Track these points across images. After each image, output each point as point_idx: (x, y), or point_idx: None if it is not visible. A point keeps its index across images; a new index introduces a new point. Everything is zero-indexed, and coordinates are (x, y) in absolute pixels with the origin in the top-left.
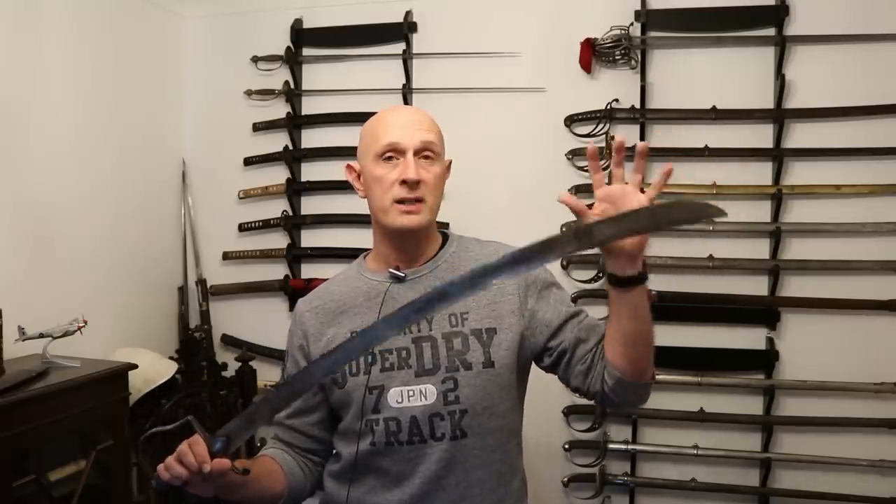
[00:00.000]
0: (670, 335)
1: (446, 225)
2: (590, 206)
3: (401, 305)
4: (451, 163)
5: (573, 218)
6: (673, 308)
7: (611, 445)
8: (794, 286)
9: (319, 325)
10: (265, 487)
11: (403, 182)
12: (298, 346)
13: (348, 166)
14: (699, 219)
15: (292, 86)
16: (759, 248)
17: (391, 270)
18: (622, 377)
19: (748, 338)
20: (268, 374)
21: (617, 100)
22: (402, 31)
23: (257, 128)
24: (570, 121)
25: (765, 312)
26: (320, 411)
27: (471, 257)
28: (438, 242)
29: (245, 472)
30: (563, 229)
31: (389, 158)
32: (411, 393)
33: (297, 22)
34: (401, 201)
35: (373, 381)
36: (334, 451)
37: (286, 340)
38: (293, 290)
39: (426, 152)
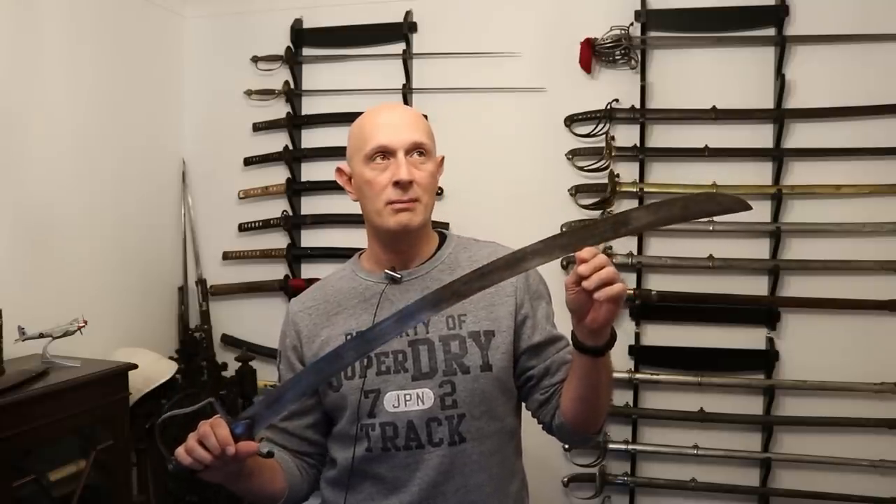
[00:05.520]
0: (670, 335)
1: (446, 225)
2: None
3: (396, 307)
4: (443, 159)
5: (573, 218)
6: (673, 308)
7: (611, 445)
8: (795, 286)
9: (313, 325)
10: (269, 481)
11: (396, 183)
12: (292, 346)
13: (338, 170)
14: (728, 211)
15: (292, 86)
16: (759, 248)
17: (387, 271)
18: (566, 423)
19: (748, 338)
20: (268, 374)
21: (617, 100)
22: (402, 31)
23: (257, 128)
24: (570, 121)
25: (765, 312)
26: (314, 414)
27: (469, 258)
28: (435, 242)
29: (269, 455)
30: (564, 230)
31: (379, 160)
32: (408, 397)
33: (297, 22)
34: (394, 202)
35: (368, 385)
36: (329, 458)
37: (278, 341)
38: (293, 290)
39: (417, 151)
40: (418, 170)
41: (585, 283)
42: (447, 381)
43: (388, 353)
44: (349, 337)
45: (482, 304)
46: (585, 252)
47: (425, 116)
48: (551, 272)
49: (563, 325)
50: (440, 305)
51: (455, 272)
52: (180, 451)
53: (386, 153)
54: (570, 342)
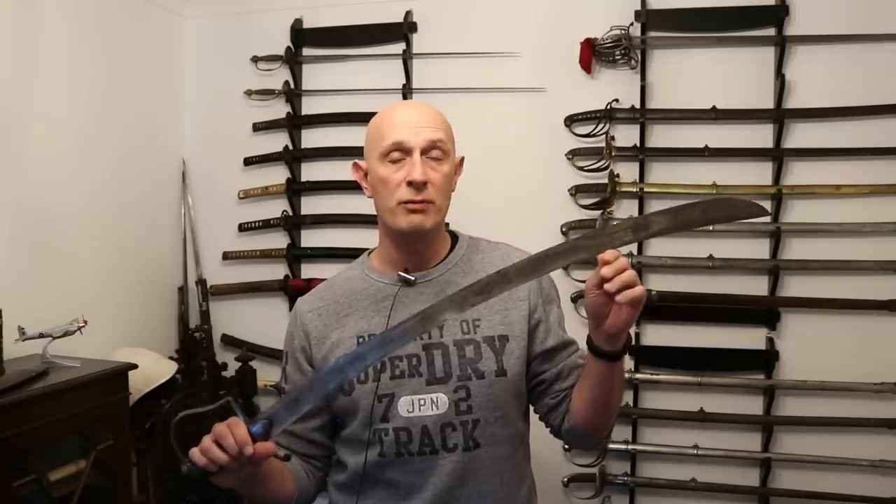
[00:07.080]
0: (670, 335)
1: (446, 224)
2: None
3: (410, 309)
4: (462, 160)
5: (573, 218)
6: (673, 308)
7: (611, 445)
8: (795, 286)
9: (322, 326)
10: (280, 485)
11: (410, 183)
12: (300, 347)
13: (355, 165)
14: (746, 216)
15: (292, 86)
16: (759, 248)
17: (400, 273)
18: (577, 427)
19: (748, 338)
20: (268, 374)
21: (617, 100)
22: (402, 31)
23: (257, 128)
24: (570, 121)
25: (765, 312)
26: (322, 417)
27: (481, 259)
28: (448, 243)
29: (287, 458)
30: (564, 230)
31: (395, 159)
32: (422, 402)
33: (297, 22)
34: (407, 202)
35: (382, 389)
36: (338, 460)
37: (283, 341)
38: (293, 290)
39: (434, 151)
40: (434, 171)
41: (608, 286)
42: (462, 386)
43: (402, 357)
44: (361, 339)
45: (496, 308)
46: (609, 254)
47: None
48: (554, 276)
49: (570, 327)
50: (464, 305)
51: (468, 275)
52: (195, 452)
53: (402, 151)
54: (586, 347)
